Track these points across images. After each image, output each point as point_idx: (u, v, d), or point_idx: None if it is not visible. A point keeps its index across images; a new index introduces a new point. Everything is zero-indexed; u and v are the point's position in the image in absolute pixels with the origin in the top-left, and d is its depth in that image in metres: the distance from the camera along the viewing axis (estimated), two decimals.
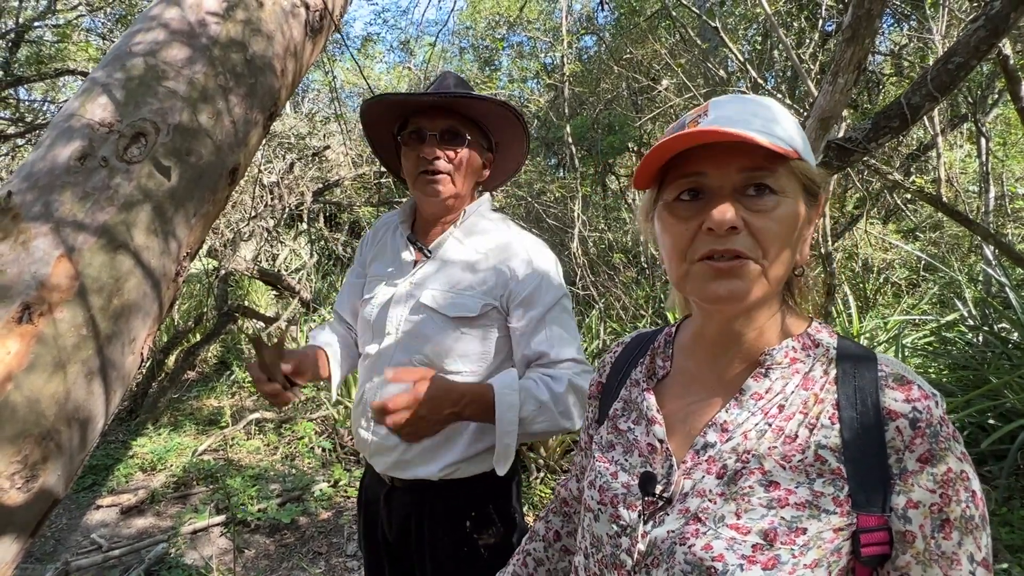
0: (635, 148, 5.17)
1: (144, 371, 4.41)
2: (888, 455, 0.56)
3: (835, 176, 2.20)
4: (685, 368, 0.71)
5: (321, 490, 3.20)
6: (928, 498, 0.55)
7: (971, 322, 3.44)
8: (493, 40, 6.82)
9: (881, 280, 5.21)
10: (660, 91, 4.77)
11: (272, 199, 5.11)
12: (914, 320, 3.91)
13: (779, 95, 3.94)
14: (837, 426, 0.58)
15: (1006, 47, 2.27)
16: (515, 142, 1.30)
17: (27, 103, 5.35)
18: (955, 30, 3.41)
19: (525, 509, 2.86)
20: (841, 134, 1.79)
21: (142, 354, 0.98)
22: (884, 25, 5.13)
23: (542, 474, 3.16)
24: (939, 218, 5.54)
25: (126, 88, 0.97)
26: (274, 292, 5.65)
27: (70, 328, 0.83)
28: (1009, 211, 5.38)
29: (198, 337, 4.75)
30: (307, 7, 1.24)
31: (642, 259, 4.95)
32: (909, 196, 4.81)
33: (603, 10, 5.26)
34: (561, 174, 6.00)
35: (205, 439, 3.77)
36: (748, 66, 3.62)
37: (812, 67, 3.71)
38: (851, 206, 5.20)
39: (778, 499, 0.57)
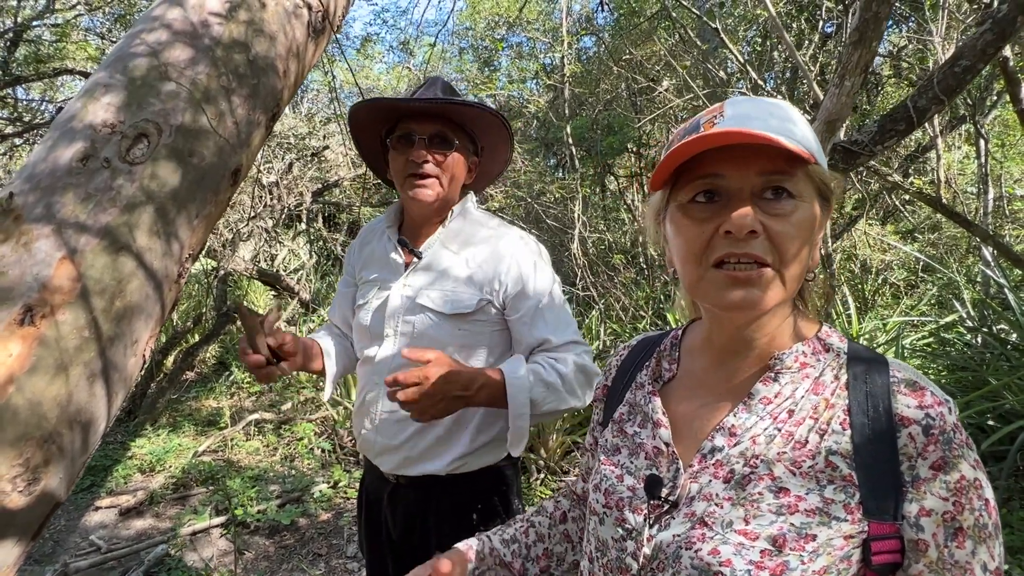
0: (635, 149, 5.17)
1: (143, 372, 4.40)
2: (900, 462, 0.55)
3: (842, 176, 2.20)
4: (692, 371, 0.70)
5: (321, 491, 3.20)
6: (941, 506, 0.54)
7: (970, 323, 3.44)
8: (493, 41, 6.82)
9: (880, 281, 5.22)
10: (660, 92, 4.77)
11: (271, 199, 5.11)
12: (913, 321, 3.91)
13: (778, 96, 3.95)
14: (848, 432, 0.58)
15: (1006, 49, 2.27)
16: (500, 145, 1.34)
17: (25, 103, 5.34)
18: (954, 32, 3.41)
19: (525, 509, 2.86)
20: (841, 136, 1.79)
21: (144, 356, 0.98)
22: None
23: (542, 475, 3.16)
24: (937, 219, 5.55)
25: (128, 89, 0.97)
26: (273, 292, 5.64)
27: (72, 330, 0.83)
28: (1007, 212, 5.39)
29: (197, 337, 4.74)
30: (309, 8, 1.24)
31: (641, 260, 4.95)
32: (908, 197, 4.82)
33: (603, 11, 5.26)
34: (561, 175, 6.00)
35: (204, 440, 3.76)
36: (748, 67, 3.62)
37: (812, 68, 3.72)
38: (850, 207, 5.20)
39: (788, 505, 0.56)
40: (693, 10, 3.95)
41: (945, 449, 0.55)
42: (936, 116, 3.29)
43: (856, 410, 0.58)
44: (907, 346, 3.45)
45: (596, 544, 0.69)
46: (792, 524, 0.55)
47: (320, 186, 5.71)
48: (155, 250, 0.94)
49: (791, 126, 0.59)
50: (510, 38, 6.75)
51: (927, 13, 3.38)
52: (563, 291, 1.28)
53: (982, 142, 4.09)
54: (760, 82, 3.76)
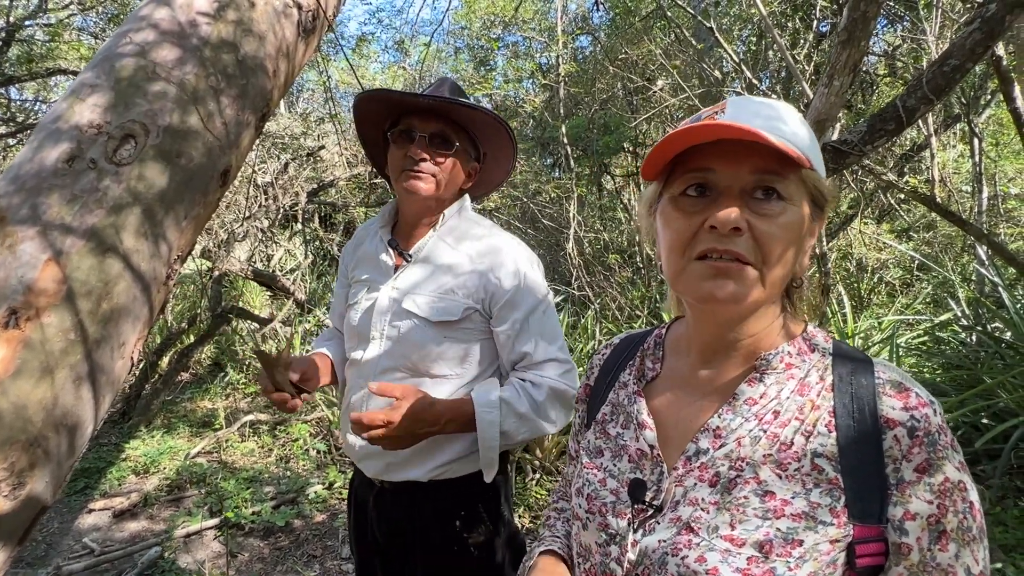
0: (631, 148, 5.17)
1: (137, 373, 4.39)
2: (885, 464, 0.55)
3: (831, 178, 2.21)
4: (676, 370, 0.70)
5: (316, 492, 3.19)
6: (925, 509, 0.54)
7: (965, 322, 3.45)
8: (488, 40, 6.81)
9: (875, 280, 5.23)
10: (656, 91, 4.77)
11: (266, 199, 5.09)
12: (908, 320, 3.92)
13: (774, 96, 3.95)
14: (834, 434, 0.57)
15: (999, 48, 2.28)
16: (503, 155, 1.31)
17: (18, 103, 5.31)
18: (948, 31, 3.42)
19: (521, 510, 2.86)
20: (836, 135, 1.79)
21: (132, 358, 0.97)
22: (878, 26, 5.15)
23: (537, 475, 3.15)
24: (933, 218, 5.56)
25: (115, 89, 0.96)
26: (269, 293, 5.62)
27: (58, 333, 0.82)
28: (1002, 211, 5.41)
29: (192, 338, 4.72)
30: (299, 7, 1.23)
31: (638, 259, 4.95)
32: (903, 196, 4.83)
33: (598, 10, 5.26)
34: (557, 174, 5.99)
35: (199, 441, 3.75)
36: (743, 67, 3.62)
37: (807, 68, 3.72)
38: (845, 206, 5.22)
39: (774, 509, 0.56)
40: (688, 9, 3.95)
41: (930, 451, 0.55)
42: (930, 115, 3.30)
43: (841, 412, 0.58)
44: (902, 345, 3.45)
45: (579, 549, 0.68)
46: (779, 529, 0.55)
47: (316, 186, 5.69)
48: (143, 252, 0.93)
49: (790, 129, 0.59)
50: (506, 37, 6.74)
51: (921, 12, 3.39)
52: (558, 291, 1.26)
53: (976, 141, 4.10)
54: (755, 82, 3.77)
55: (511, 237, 1.26)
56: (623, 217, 5.57)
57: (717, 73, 4.48)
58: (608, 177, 5.92)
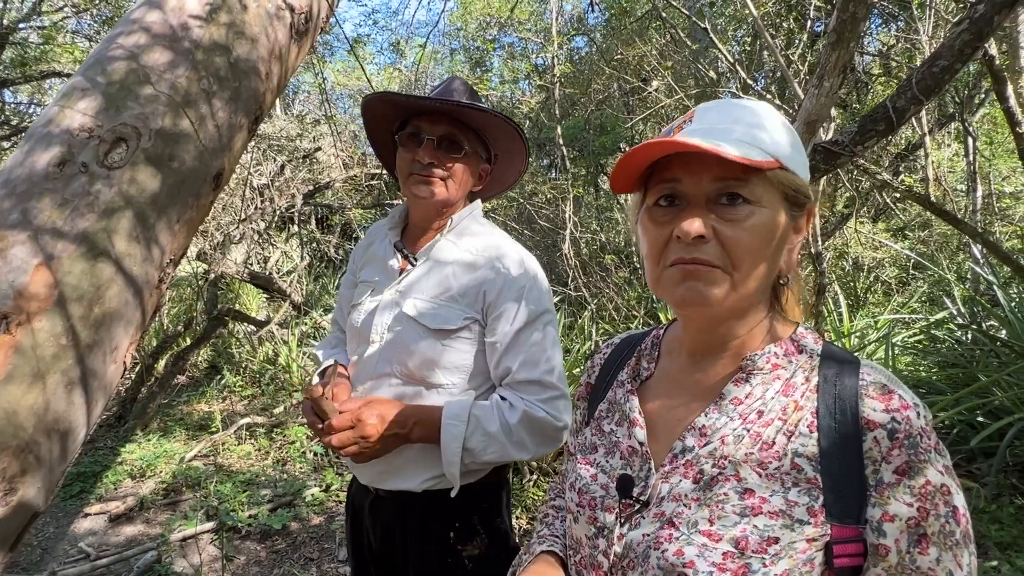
0: (627, 148, 5.17)
1: (133, 376, 4.37)
2: (865, 465, 0.55)
3: (825, 176, 2.21)
4: (669, 370, 0.71)
5: (313, 495, 3.18)
6: (905, 511, 0.54)
7: (960, 320, 3.47)
8: (484, 41, 6.82)
9: (871, 279, 5.25)
10: (651, 92, 4.78)
11: (263, 202, 5.08)
12: (904, 319, 3.93)
13: (768, 96, 3.96)
14: (815, 435, 0.58)
15: (992, 48, 2.29)
16: (515, 156, 1.29)
17: (12, 106, 5.29)
18: (942, 31, 3.44)
19: (519, 512, 2.85)
20: (831, 135, 1.80)
21: (125, 363, 0.96)
22: (872, 26, 5.17)
23: (535, 476, 3.15)
24: (928, 217, 5.58)
25: (107, 93, 0.96)
26: (265, 295, 5.61)
27: (49, 338, 0.82)
28: (996, 210, 5.43)
29: (188, 341, 4.71)
30: (292, 10, 1.23)
31: (634, 259, 4.96)
32: (898, 195, 4.85)
33: (593, 11, 5.26)
34: (553, 175, 6.00)
35: (195, 444, 3.74)
36: (738, 67, 3.63)
37: (801, 68, 3.73)
38: (841, 205, 5.23)
39: (752, 507, 0.56)
40: (683, 10, 3.96)
41: (911, 453, 0.55)
42: (925, 114, 3.31)
43: (824, 413, 0.58)
44: (898, 343, 3.47)
45: (570, 542, 0.70)
46: (755, 526, 0.55)
47: (312, 188, 5.68)
48: (135, 256, 0.93)
49: (759, 132, 0.60)
50: (501, 39, 6.75)
51: (915, 12, 3.40)
52: (555, 291, 1.23)
53: (971, 140, 4.12)
54: (750, 82, 3.78)
55: (522, 250, 1.22)
56: (620, 217, 5.58)
57: (712, 73, 4.49)
58: (604, 177, 5.93)
